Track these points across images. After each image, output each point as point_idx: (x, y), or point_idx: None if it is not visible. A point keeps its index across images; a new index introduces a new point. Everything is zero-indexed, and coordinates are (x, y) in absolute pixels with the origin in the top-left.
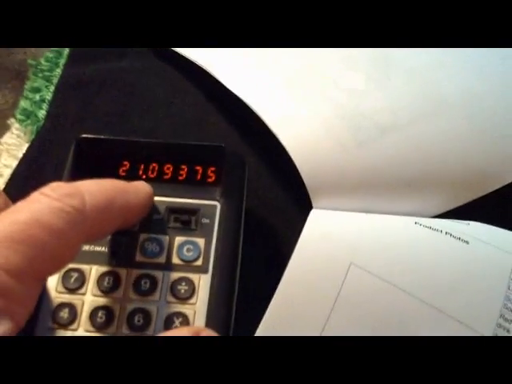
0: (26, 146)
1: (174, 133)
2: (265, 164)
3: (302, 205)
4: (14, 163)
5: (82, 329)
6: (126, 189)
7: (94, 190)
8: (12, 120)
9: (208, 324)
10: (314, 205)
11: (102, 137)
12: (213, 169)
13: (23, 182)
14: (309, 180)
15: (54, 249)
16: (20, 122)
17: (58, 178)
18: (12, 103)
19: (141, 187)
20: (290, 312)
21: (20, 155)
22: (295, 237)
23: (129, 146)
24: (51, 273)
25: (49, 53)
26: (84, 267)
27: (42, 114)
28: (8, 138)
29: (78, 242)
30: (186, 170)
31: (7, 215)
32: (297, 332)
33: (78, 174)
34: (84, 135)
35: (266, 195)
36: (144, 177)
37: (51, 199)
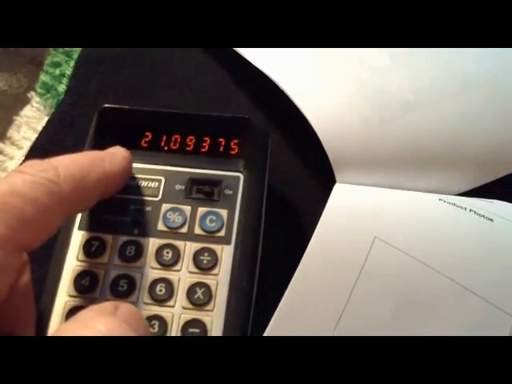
0: (45, 119)
1: (197, 109)
2: (288, 140)
3: (325, 181)
4: (34, 136)
5: (102, 297)
6: (101, 157)
7: (68, 162)
8: (32, 93)
9: (231, 295)
10: (337, 179)
11: (126, 107)
12: (236, 141)
13: (42, 155)
14: (332, 154)
15: (32, 218)
16: (40, 95)
17: (79, 151)
18: (26, 87)
19: (117, 153)
20: (313, 285)
21: (40, 128)
22: (318, 212)
23: (152, 116)
24: (33, 243)
25: None
26: (105, 236)
27: (62, 88)
28: (28, 110)
29: (57, 213)
30: (208, 141)
31: None
32: (320, 306)
33: (100, 144)
34: (107, 105)
35: (289, 171)
36: (166, 148)
37: (25, 174)
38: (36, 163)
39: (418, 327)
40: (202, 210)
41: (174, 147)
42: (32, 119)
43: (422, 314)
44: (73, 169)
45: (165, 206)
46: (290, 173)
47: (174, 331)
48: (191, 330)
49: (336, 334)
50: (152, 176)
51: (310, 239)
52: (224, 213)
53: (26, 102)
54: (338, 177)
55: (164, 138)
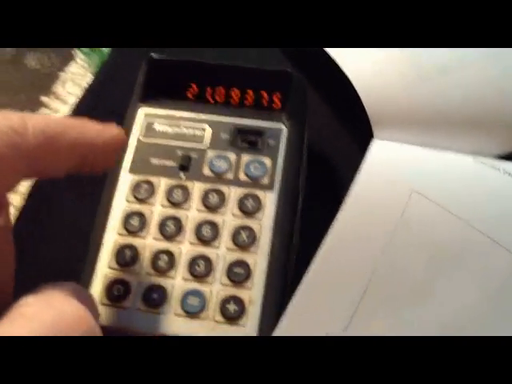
0: (90, 76)
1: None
2: (324, 96)
3: (362, 138)
4: (78, 91)
5: (150, 237)
6: (86, 126)
7: (42, 119)
8: (76, 51)
9: (274, 238)
10: (375, 135)
11: (172, 58)
12: (278, 94)
13: (87, 110)
14: (371, 110)
15: None
16: (85, 54)
17: (123, 105)
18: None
19: (107, 129)
20: (351, 237)
21: (84, 84)
22: (355, 167)
23: (197, 67)
24: None
25: None
26: (153, 179)
27: (106, 48)
28: (73, 67)
29: (17, 166)
30: (252, 94)
31: None
32: (358, 253)
33: (147, 95)
34: (154, 55)
35: (326, 127)
36: (211, 99)
37: None
38: (2, 112)
39: (448, 279)
40: (246, 158)
41: (218, 99)
42: (77, 75)
43: (453, 266)
44: (45, 124)
45: (210, 153)
46: (327, 128)
47: (219, 271)
48: (236, 270)
49: (371, 286)
50: (198, 125)
51: (346, 193)
52: (267, 161)
53: (70, 58)
54: (375, 133)
55: (209, 89)
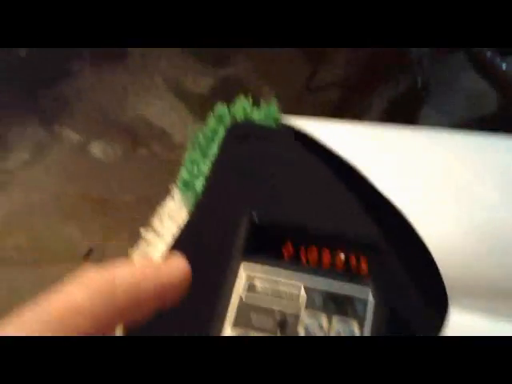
0: (185, 212)
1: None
2: (405, 264)
3: (439, 304)
4: (174, 227)
5: None
6: (158, 269)
7: (124, 273)
8: (174, 187)
9: None
10: (450, 301)
11: (271, 218)
12: (365, 260)
13: (182, 247)
14: (448, 280)
15: (88, 332)
16: (180, 190)
17: (218, 250)
18: (120, 158)
19: (175, 266)
20: None
21: (180, 221)
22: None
23: (294, 229)
24: None
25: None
26: (252, 333)
27: (199, 185)
28: (170, 202)
29: (112, 324)
30: (341, 258)
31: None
32: None
33: (247, 252)
34: (255, 216)
35: (406, 292)
36: (305, 261)
37: (82, 284)
38: (95, 276)
39: None
40: (336, 322)
41: (311, 260)
42: (173, 211)
43: None
44: (129, 280)
45: (305, 314)
46: (407, 291)
47: None
48: None
49: None
50: (294, 285)
51: None
52: (355, 327)
53: (167, 193)
54: (450, 298)
55: (303, 249)
